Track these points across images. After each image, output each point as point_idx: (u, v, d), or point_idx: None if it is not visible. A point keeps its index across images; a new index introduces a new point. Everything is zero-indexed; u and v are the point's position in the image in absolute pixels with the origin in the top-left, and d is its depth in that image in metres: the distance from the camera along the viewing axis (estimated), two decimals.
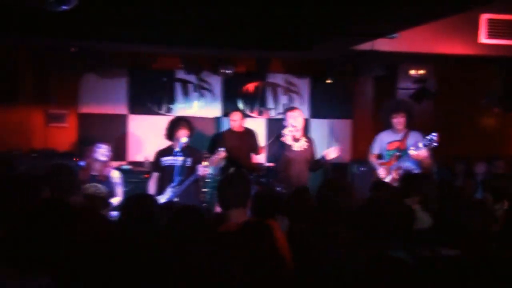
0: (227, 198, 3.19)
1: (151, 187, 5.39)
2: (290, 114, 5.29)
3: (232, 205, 3.16)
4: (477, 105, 7.26)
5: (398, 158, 5.45)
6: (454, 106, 7.71)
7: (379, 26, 4.41)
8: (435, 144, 5.16)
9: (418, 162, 5.35)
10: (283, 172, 5.23)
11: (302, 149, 5.25)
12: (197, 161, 5.34)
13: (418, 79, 7.55)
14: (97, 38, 5.63)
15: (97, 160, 5.24)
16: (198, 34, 5.62)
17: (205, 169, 5.26)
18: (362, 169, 7.35)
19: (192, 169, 5.28)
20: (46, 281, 1.97)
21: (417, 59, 6.85)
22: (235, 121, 7.22)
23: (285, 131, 5.18)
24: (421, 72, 7.52)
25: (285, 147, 5.14)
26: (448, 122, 7.77)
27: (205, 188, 6.38)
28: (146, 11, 5.00)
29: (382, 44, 5.46)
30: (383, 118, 5.83)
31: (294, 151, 5.19)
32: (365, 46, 5.48)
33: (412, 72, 7.55)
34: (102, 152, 5.24)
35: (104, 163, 5.30)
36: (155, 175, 5.46)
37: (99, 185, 5.12)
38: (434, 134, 5.15)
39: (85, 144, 6.13)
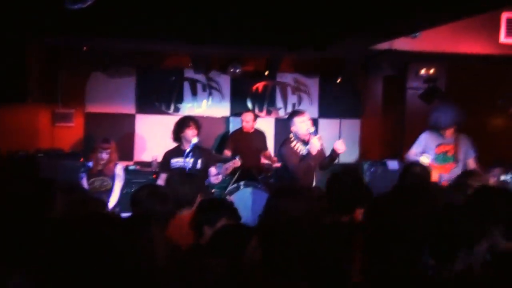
0: (179, 197, 3.31)
1: None
2: (300, 119, 4.92)
3: (183, 204, 3.33)
4: (492, 106, 7.12)
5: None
6: (467, 107, 7.56)
7: (401, 25, 4.28)
8: None
9: None
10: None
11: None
12: (208, 162, 5.24)
13: (428, 79, 7.44)
14: (106, 36, 5.54)
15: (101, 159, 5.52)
16: (209, 33, 5.52)
17: (217, 177, 5.18)
18: (373, 169, 7.24)
19: (202, 171, 5.18)
20: None
21: (430, 58, 6.72)
22: (247, 122, 7.14)
23: (313, 140, 4.77)
24: (431, 71, 7.41)
25: (307, 154, 4.86)
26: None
27: (213, 188, 6.28)
28: (155, 9, 4.90)
29: (400, 43, 5.34)
30: (434, 127, 5.61)
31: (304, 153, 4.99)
32: (383, 45, 5.35)
33: (423, 71, 7.43)
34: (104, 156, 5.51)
35: (109, 159, 5.53)
36: (163, 176, 5.33)
37: (105, 178, 5.47)
38: None
39: (91, 144, 6.15)
